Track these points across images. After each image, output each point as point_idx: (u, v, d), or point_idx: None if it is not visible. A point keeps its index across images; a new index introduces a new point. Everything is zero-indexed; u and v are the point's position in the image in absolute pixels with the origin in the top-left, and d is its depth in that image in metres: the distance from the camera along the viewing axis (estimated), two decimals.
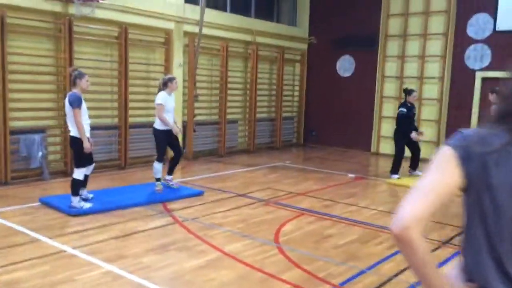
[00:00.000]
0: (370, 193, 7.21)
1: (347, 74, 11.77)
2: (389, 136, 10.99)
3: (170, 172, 6.84)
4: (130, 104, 8.52)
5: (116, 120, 8.44)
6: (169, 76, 6.67)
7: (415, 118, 8.48)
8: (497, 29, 8.43)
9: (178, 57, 9.24)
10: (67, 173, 7.59)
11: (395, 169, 8.21)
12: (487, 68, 9.71)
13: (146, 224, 5.23)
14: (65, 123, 7.45)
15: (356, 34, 11.35)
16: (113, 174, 8.00)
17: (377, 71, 11.21)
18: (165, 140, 6.50)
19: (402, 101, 8.22)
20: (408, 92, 8.10)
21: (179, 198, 6.38)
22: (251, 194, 6.84)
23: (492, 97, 6.98)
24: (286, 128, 12.12)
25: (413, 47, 10.72)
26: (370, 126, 11.40)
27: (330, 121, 12.00)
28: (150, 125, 8.78)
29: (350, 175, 8.48)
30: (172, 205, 6.06)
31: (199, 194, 6.64)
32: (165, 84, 6.47)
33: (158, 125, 6.48)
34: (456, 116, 10.06)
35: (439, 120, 10.36)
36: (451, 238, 5.08)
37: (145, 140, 8.82)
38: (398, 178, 8.07)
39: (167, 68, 9.12)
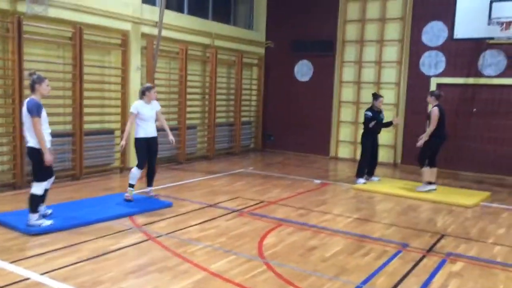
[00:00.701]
0: (341, 200, 7.17)
1: (305, 78, 11.76)
2: (348, 140, 11.21)
3: (150, 183, 6.68)
4: (85, 110, 7.97)
5: (69, 127, 7.86)
6: (147, 85, 6.56)
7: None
8: (454, 37, 8.68)
9: (135, 60, 8.77)
10: (15, 186, 6.96)
11: (361, 173, 8.26)
12: (442, 74, 10.01)
13: (117, 242, 4.81)
14: (14, 131, 6.91)
15: (313, 39, 11.38)
16: (68, 185, 7.43)
17: (335, 76, 11.29)
18: (144, 147, 6.38)
19: (370, 105, 8.28)
20: (374, 97, 8.18)
21: (147, 211, 5.99)
22: (222, 204, 6.56)
23: (430, 99, 7.50)
24: (244, 133, 11.93)
25: (370, 52, 10.88)
26: (328, 130, 11.46)
27: (288, 126, 11.96)
28: (106, 131, 8.38)
29: (316, 181, 8.43)
30: (140, 219, 5.66)
31: (168, 205, 6.28)
32: (143, 93, 6.42)
33: (137, 133, 6.38)
34: (412, 120, 10.30)
35: (396, 125, 10.53)
36: (433, 245, 5.08)
37: (102, 148, 8.32)
38: (364, 183, 8.10)
39: (125, 71, 8.63)
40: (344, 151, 11.35)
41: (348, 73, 11.19)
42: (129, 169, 8.71)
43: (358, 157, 10.97)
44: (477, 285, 4.06)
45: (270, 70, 12.20)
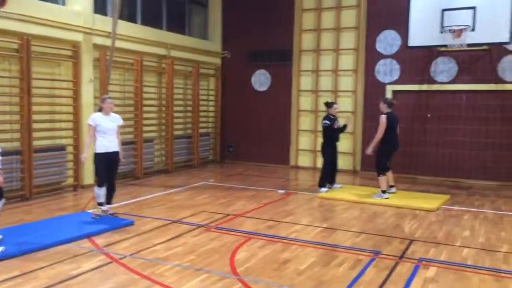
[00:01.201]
0: (307, 210, 7.11)
1: (263, 88, 11.73)
2: (308, 149, 11.24)
3: (108, 201, 6.40)
4: (34, 125, 7.50)
5: (17, 143, 7.36)
6: (103, 96, 6.44)
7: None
8: (408, 45, 8.91)
9: (87, 72, 8.38)
10: None
11: (323, 182, 8.26)
12: (397, 82, 10.27)
13: (77, 266, 4.47)
14: None
15: (270, 49, 11.39)
16: (18, 207, 6.93)
17: (293, 85, 11.33)
18: (104, 163, 6.08)
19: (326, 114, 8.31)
20: (328, 105, 8.25)
21: (107, 231, 5.65)
22: (186, 219, 6.32)
23: (382, 106, 7.65)
24: (203, 145, 11.72)
25: (326, 61, 11.01)
26: (288, 139, 11.47)
27: (247, 136, 11.89)
28: (57, 147, 7.94)
29: (280, 191, 8.37)
30: (100, 240, 5.32)
31: (129, 224, 5.96)
32: (102, 104, 6.24)
33: (96, 148, 6.12)
34: (370, 127, 10.39)
35: (354, 132, 10.70)
36: (404, 251, 5.07)
37: (53, 165, 7.85)
38: (327, 191, 8.11)
39: (76, 84, 8.22)
40: (304, 160, 11.37)
41: (306, 82, 11.26)
42: (84, 187, 8.31)
43: (319, 165, 11.05)
44: None
45: (227, 80, 12.09)
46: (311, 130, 11.25)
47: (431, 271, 4.48)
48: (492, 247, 5.28)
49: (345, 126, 8.32)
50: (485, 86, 9.53)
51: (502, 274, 4.44)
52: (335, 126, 8.12)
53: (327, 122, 8.04)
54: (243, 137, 11.95)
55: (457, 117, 9.82)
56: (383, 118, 7.53)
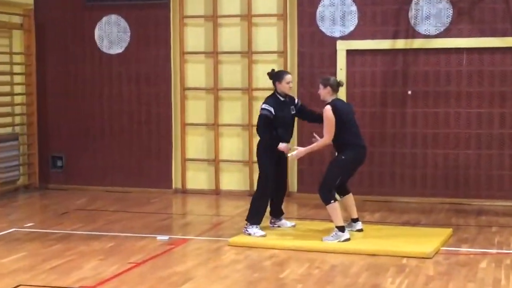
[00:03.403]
0: (214, 270, 7.00)
1: (116, 49, 11.48)
2: (204, 158, 11.31)
3: None
4: None
5: None
6: None
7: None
8: None
9: None
10: None
11: (257, 216, 8.15)
12: (353, 35, 10.48)
13: None
14: None
15: None
16: None
17: (171, 44, 11.24)
18: None
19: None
20: (276, 76, 8.22)
21: None
22: None
23: (323, 91, 7.93)
24: (3, 157, 11.28)
25: (231, 2, 11.06)
26: (167, 142, 11.37)
27: (90, 139, 11.68)
28: None
29: (162, 238, 8.24)
30: None
31: None
32: None
33: None
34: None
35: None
36: None
37: None
38: (263, 235, 8.02)
39: None
40: (197, 178, 11.36)
41: (195, 37, 11.24)
42: None
43: (224, 186, 11.18)
44: None
45: (47, 36, 11.77)
46: (208, 123, 11.26)
47: None
48: None
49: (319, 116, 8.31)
50: (499, 40, 10.00)
51: None
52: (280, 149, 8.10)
53: (268, 107, 8.04)
54: (82, 140, 11.71)
55: (454, 94, 10.23)
56: (328, 112, 7.71)
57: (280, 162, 8.34)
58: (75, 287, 6.38)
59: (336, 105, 7.76)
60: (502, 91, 10.13)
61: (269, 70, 8.46)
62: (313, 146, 7.90)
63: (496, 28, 10.05)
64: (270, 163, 8.17)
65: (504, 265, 6.90)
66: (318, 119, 8.14)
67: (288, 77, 8.22)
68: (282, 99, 8.15)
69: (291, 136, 8.40)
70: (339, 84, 7.93)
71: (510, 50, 10.07)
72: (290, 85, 8.26)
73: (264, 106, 8.09)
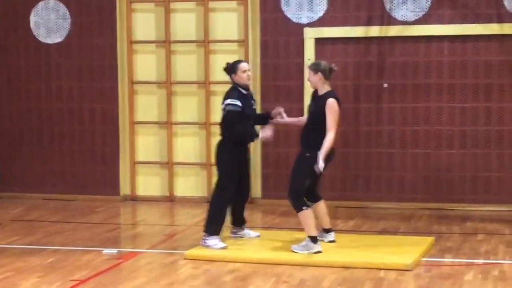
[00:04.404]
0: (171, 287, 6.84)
1: (55, 38, 11.27)
2: (154, 160, 11.31)
3: None
4: None
5: None
6: None
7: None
8: None
9: None
10: None
11: (215, 225, 8.01)
12: (322, 22, 10.37)
13: None
14: None
15: None
16: None
17: (118, 30, 11.13)
18: None
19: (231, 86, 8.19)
20: (230, 68, 8.10)
21: None
22: None
23: (314, 77, 7.81)
24: None
25: None
26: (113, 142, 11.29)
27: (26, 140, 11.58)
28: None
29: (109, 251, 8.10)
30: None
31: None
32: None
33: None
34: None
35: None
36: None
37: None
38: (224, 247, 7.89)
39: None
40: (148, 184, 11.32)
41: (144, 24, 11.19)
42: None
43: (179, 192, 11.11)
44: None
45: None
46: (159, 121, 11.20)
47: None
48: None
49: (267, 117, 8.34)
50: (483, 27, 9.96)
51: None
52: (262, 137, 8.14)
53: (235, 102, 7.91)
54: (17, 142, 11.57)
55: (435, 87, 10.18)
56: (332, 104, 7.60)
57: (242, 164, 8.28)
58: None
59: (338, 99, 7.72)
60: (487, 83, 10.13)
61: (229, 61, 8.42)
62: (324, 149, 7.53)
63: (480, 13, 10.02)
64: (233, 164, 8.07)
65: (491, 277, 6.82)
66: (264, 120, 8.34)
67: (243, 65, 8.16)
68: (244, 92, 8.09)
69: (254, 136, 8.34)
70: (331, 70, 7.80)
71: (496, 37, 10.07)
72: (247, 73, 8.18)
73: (229, 101, 7.98)
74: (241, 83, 8.08)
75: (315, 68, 7.79)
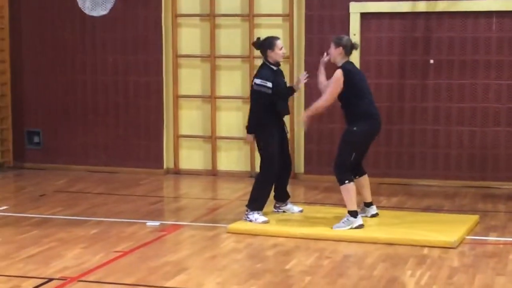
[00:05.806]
0: (211, 260, 7.00)
1: (99, 10, 11.26)
2: (196, 134, 11.43)
3: None
4: None
5: None
6: None
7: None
8: None
9: None
10: None
11: (259, 201, 8.18)
12: None
13: None
14: None
15: None
16: None
17: (162, 6, 11.24)
18: None
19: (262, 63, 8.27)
20: (267, 44, 8.17)
21: None
22: None
23: (335, 51, 7.92)
24: None
25: None
26: (157, 117, 11.42)
27: (70, 112, 11.76)
28: None
29: (152, 224, 8.28)
30: None
31: None
32: None
33: None
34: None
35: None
36: None
37: None
38: (266, 221, 8.04)
39: None
40: (191, 157, 11.42)
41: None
42: None
43: (221, 166, 11.28)
44: None
45: None
46: (203, 95, 11.28)
47: None
48: None
49: (291, 89, 8.52)
50: None
51: None
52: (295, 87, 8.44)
53: (264, 83, 8.00)
54: (62, 114, 11.72)
55: (483, 64, 10.18)
56: (338, 75, 7.73)
57: (283, 140, 8.40)
58: (55, 278, 6.37)
59: (349, 69, 7.78)
60: None
61: (269, 36, 8.45)
62: (313, 108, 7.96)
63: None
64: (274, 141, 8.17)
65: None
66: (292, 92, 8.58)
67: (279, 43, 8.24)
68: (275, 68, 8.20)
69: (287, 111, 8.48)
70: (353, 47, 7.93)
71: None
72: (283, 50, 8.29)
73: (259, 82, 8.06)
74: (274, 60, 8.16)
75: (337, 42, 7.85)
